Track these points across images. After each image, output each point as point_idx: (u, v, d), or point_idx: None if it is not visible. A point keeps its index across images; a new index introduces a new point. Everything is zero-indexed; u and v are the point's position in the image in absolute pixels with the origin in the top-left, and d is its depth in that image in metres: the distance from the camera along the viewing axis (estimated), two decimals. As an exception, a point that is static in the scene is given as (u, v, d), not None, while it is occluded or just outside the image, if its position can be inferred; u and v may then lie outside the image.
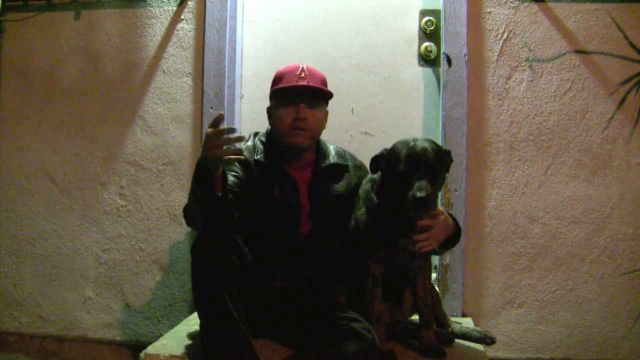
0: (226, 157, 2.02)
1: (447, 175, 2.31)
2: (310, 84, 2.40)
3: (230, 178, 2.30)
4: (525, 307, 2.99)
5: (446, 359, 2.28)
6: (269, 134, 2.53)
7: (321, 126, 2.49)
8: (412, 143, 2.18)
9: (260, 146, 2.49)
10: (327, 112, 2.52)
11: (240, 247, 2.17)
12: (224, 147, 2.00)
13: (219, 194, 2.12)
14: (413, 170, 2.14)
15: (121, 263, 3.27)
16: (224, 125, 2.02)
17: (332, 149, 2.58)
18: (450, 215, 2.38)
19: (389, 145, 2.29)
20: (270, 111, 2.50)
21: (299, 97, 2.38)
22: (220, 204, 2.14)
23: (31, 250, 3.34)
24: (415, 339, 2.40)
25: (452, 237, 2.37)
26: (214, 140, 1.99)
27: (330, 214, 2.48)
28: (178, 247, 3.21)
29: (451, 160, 2.30)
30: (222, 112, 2.09)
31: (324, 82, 2.49)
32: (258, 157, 2.45)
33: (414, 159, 2.15)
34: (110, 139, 3.28)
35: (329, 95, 2.48)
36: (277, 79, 2.47)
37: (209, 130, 2.01)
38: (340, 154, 2.59)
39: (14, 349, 3.34)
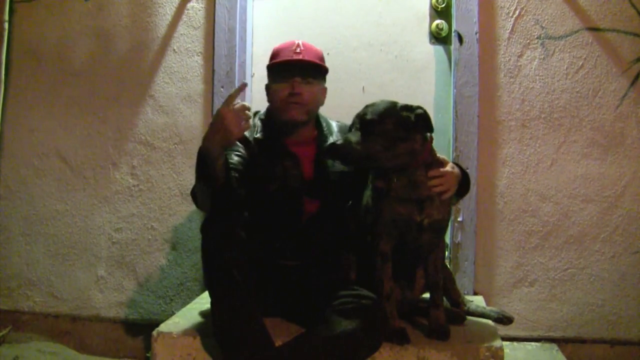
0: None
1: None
2: (306, 58, 2.39)
3: (234, 157, 2.30)
4: (536, 286, 2.99)
5: (448, 340, 2.23)
6: (268, 112, 2.52)
7: (318, 101, 2.47)
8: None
9: (259, 124, 2.48)
10: (324, 88, 2.49)
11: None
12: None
13: (223, 182, 2.14)
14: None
15: (133, 242, 3.29)
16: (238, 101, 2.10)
17: (334, 125, 2.56)
18: (457, 164, 2.34)
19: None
20: (267, 87, 2.50)
21: (293, 72, 2.37)
22: (226, 191, 2.16)
23: (44, 230, 3.37)
24: (425, 318, 2.38)
25: (463, 185, 2.34)
26: (237, 117, 2.06)
27: (336, 191, 2.47)
28: (189, 226, 3.23)
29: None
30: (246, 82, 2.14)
31: (321, 58, 2.47)
32: (257, 135, 2.45)
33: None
34: (121, 119, 3.29)
35: (325, 70, 2.46)
36: (274, 55, 2.47)
37: (234, 107, 2.07)
38: (343, 129, 2.53)
39: (27, 328, 3.37)
